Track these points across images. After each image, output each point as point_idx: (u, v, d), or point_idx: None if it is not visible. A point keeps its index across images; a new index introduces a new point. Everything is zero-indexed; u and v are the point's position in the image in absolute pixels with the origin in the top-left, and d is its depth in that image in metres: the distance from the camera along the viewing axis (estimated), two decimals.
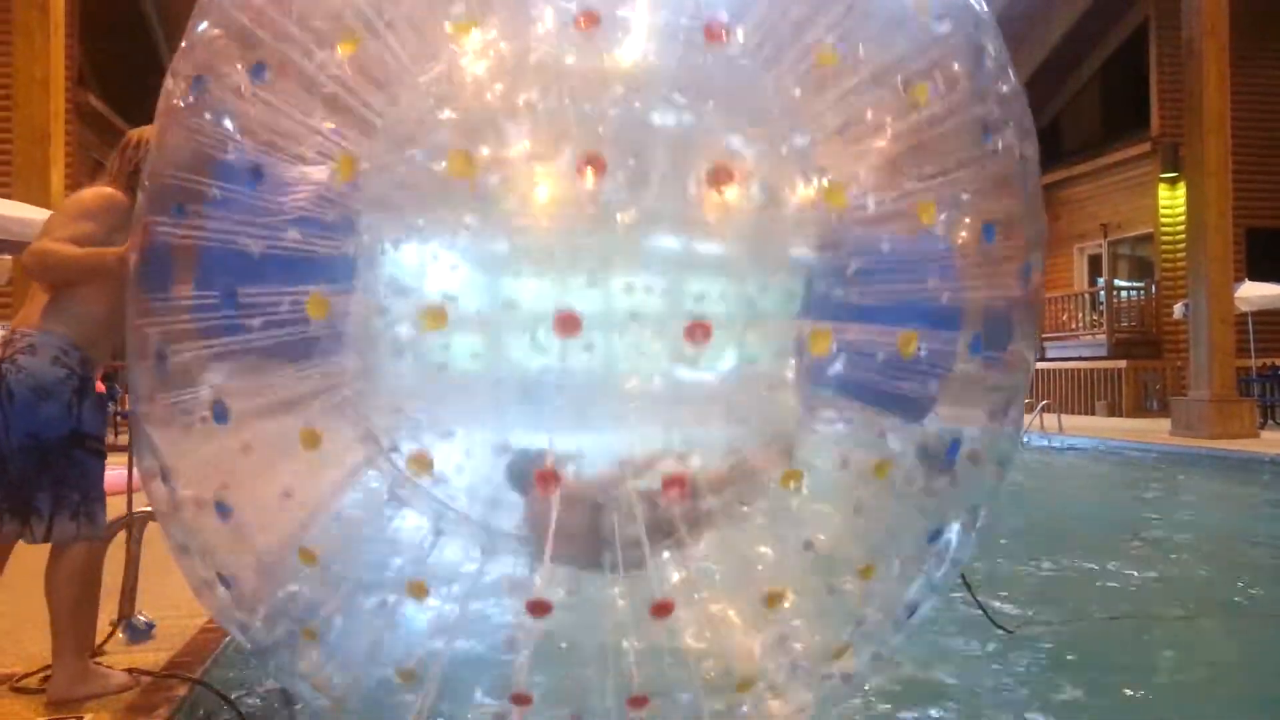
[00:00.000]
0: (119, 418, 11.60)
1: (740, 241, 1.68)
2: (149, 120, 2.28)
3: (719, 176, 1.62)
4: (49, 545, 2.97)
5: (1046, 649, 4.12)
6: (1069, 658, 4.02)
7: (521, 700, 1.81)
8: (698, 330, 1.59)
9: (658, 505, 1.69)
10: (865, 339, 1.76)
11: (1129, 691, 3.66)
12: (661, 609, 1.76)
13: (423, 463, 1.72)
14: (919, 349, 1.78)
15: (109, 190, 3.02)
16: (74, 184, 14.70)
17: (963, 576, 3.87)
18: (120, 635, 3.53)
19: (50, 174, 9.93)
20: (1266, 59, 17.64)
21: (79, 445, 2.92)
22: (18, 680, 3.12)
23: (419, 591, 1.81)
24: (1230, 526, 7.52)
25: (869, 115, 1.80)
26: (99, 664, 3.13)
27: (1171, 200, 18.06)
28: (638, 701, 1.81)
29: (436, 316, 1.61)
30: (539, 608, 1.73)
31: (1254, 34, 16.36)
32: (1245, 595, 5.16)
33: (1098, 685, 3.68)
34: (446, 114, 1.72)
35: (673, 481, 1.68)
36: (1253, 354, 15.29)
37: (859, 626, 1.99)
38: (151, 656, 3.39)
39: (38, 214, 8.82)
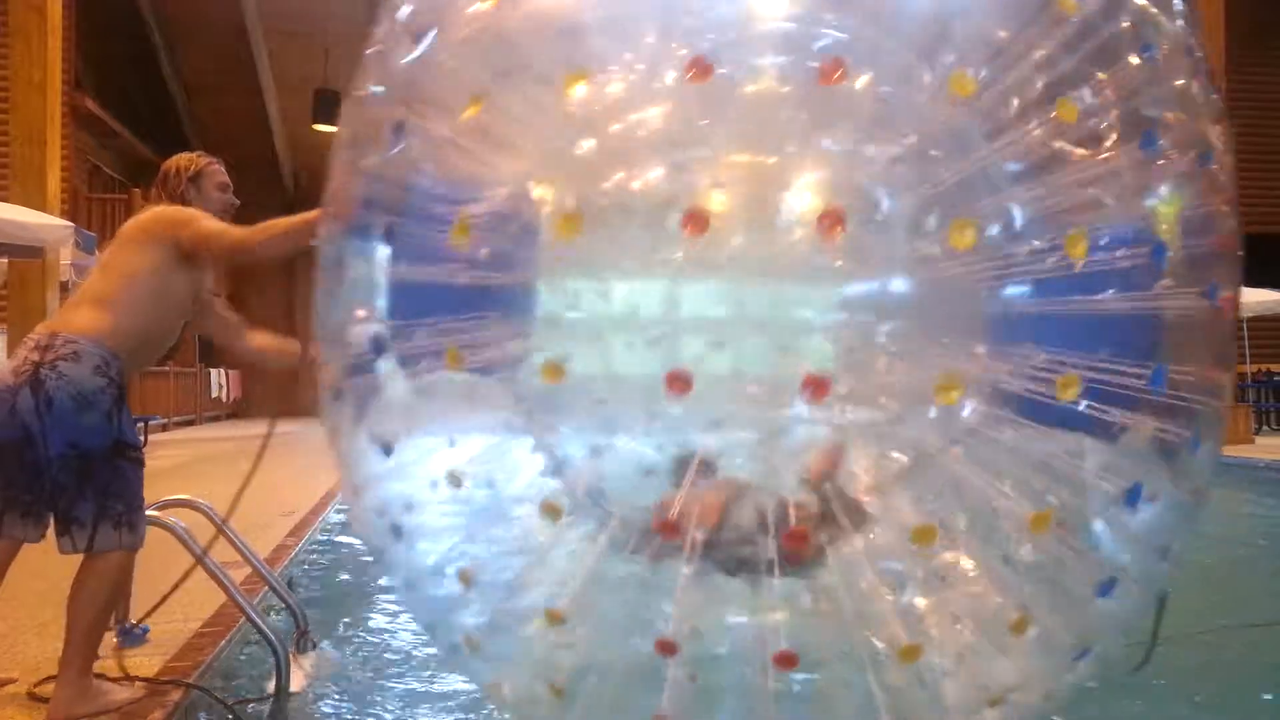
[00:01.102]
0: None
1: (858, 284, 1.62)
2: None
3: (829, 219, 1.54)
4: (39, 549, 2.95)
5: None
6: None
7: None
8: (814, 385, 1.53)
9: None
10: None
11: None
12: (785, 661, 1.67)
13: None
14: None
15: None
16: (70, 186, 14.72)
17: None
18: (114, 640, 3.52)
19: (46, 176, 9.95)
20: (1263, 66, 17.70)
21: (122, 455, 2.89)
22: (36, 685, 3.09)
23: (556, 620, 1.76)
24: (1228, 531, 7.53)
25: (1009, 136, 1.66)
26: (103, 677, 3.08)
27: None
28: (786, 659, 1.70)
29: (557, 370, 1.61)
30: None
31: (1251, 41, 16.40)
32: (1248, 602, 5.15)
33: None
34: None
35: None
36: (1248, 360, 15.32)
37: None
38: (146, 661, 3.38)
39: (34, 217, 8.80)
